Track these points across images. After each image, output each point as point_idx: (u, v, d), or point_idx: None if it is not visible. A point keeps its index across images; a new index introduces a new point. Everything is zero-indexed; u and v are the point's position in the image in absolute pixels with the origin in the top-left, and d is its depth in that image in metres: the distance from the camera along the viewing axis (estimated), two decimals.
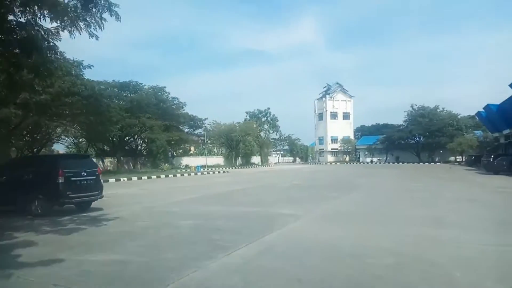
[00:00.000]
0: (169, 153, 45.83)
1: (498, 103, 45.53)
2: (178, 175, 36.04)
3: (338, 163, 75.24)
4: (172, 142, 55.56)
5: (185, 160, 60.21)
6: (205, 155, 57.69)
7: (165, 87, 42.48)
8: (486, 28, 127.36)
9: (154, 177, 32.29)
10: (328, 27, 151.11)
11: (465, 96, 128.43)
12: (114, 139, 42.37)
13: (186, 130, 59.18)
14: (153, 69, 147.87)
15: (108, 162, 46.91)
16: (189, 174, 37.46)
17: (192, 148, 75.41)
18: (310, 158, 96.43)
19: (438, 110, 69.22)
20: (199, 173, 38.87)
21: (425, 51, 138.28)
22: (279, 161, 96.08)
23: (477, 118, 58.02)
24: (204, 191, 18.38)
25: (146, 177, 31.61)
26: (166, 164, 42.59)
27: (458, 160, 65.41)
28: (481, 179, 23.61)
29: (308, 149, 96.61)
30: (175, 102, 43.63)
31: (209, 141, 63.97)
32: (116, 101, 39.09)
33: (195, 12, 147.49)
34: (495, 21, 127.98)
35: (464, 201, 13.10)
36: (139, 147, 55.49)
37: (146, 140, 54.00)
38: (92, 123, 33.36)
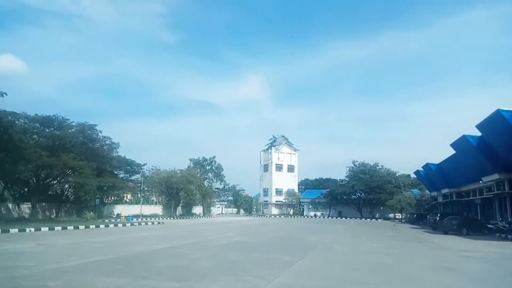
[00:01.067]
0: (97, 200, 39.65)
1: (437, 163, 46.33)
2: (102, 226, 30.44)
3: (282, 216, 72.22)
4: (105, 188, 49.39)
5: (118, 209, 53.54)
6: (140, 203, 51.74)
7: (96, 125, 36.94)
8: (419, 98, 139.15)
9: (70, 227, 26.68)
10: (275, 86, 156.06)
11: (401, 156, 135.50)
12: (30, 181, 35.81)
13: (121, 176, 53.36)
14: (96, 113, 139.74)
15: (27, 208, 39.68)
16: (115, 225, 31.89)
17: (128, 196, 68.52)
18: (254, 210, 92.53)
19: (377, 167, 70.14)
20: (128, 224, 33.40)
21: (363, 114, 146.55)
22: (223, 212, 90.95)
23: (416, 176, 59.05)
24: (118, 250, 13.92)
25: (60, 228, 25.98)
26: (91, 213, 36.44)
27: (397, 217, 65.51)
28: (437, 240, 21.51)
29: (253, 200, 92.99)
30: (107, 143, 38.36)
31: (146, 189, 58.14)
32: (36, 137, 33.45)
33: (144, 59, 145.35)
34: (425, 91, 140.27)
35: (443, 270, 10.27)
36: (66, 192, 48.38)
37: (74, 185, 47.52)
38: (1, 161, 27.61)
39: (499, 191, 29.37)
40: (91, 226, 28.98)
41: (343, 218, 63.88)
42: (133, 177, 55.57)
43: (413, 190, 67.37)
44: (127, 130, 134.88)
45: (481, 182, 33.47)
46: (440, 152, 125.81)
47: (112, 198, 60.42)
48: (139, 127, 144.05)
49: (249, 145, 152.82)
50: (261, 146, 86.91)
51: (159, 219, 49.97)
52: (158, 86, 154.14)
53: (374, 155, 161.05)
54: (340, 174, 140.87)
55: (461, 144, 32.01)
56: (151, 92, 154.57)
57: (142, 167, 52.75)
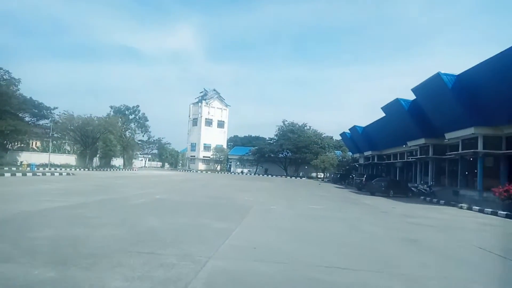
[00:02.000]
0: None
1: (363, 126, 47.08)
2: (7, 174, 25.20)
3: (209, 172, 70.04)
4: (7, 132, 41.67)
5: (24, 156, 46.22)
6: (49, 151, 45.07)
7: None
8: (345, 65, 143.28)
9: None
10: (207, 38, 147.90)
11: (324, 120, 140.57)
12: None
13: (26, 119, 45.61)
14: (2, 52, 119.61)
15: None
16: (13, 175, 26.44)
17: (37, 143, 59.91)
18: (180, 164, 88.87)
19: (306, 127, 70.61)
20: (30, 174, 28.03)
21: (293, 76, 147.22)
22: (146, 165, 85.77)
23: (340, 138, 60.39)
24: None
25: None
26: None
27: (320, 176, 67.49)
28: (368, 201, 20.76)
29: (179, 155, 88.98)
30: (4, 77, 30.81)
31: (56, 135, 50.88)
32: None
33: None
34: (351, 58, 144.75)
35: (407, 243, 8.55)
36: None
37: None
38: None
39: (423, 156, 30.03)
40: None
41: (270, 176, 63.79)
42: (41, 122, 48.03)
43: (336, 151, 69.51)
44: (37, 72, 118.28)
45: (404, 146, 34.22)
46: (361, 117, 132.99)
47: (17, 144, 52.27)
48: (51, 70, 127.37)
49: (177, 98, 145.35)
50: (191, 100, 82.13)
51: (70, 169, 44.18)
52: (76, 24, 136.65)
53: (300, 117, 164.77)
54: (269, 133, 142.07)
55: (393, 107, 31.86)
56: (67, 30, 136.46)
57: (52, 111, 45.45)
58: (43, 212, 10.05)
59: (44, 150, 50.76)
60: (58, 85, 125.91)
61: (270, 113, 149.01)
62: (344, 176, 46.29)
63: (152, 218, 10.02)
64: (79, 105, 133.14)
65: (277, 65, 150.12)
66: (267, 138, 76.47)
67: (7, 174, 26.54)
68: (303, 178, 61.66)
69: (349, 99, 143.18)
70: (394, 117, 33.01)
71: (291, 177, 63.64)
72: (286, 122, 70.73)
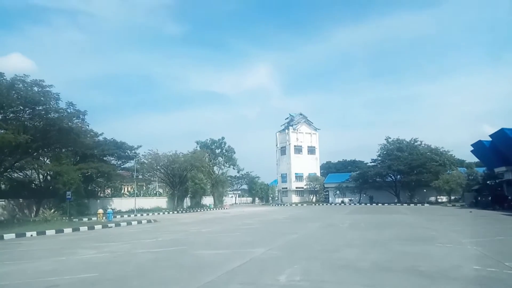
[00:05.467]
0: (69, 193, 28.39)
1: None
2: (68, 229, 19.46)
3: (304, 204, 60.58)
4: (94, 177, 38.35)
5: (116, 203, 42.53)
6: (134, 195, 40.58)
7: (43, 81, 22.97)
8: (429, 77, 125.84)
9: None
10: (283, 73, 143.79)
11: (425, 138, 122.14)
12: None
13: (113, 163, 42.10)
14: (104, 110, 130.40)
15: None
16: (75, 230, 20.59)
17: (128, 188, 57.43)
18: (270, 198, 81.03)
19: (416, 143, 57.75)
20: (99, 226, 22.06)
21: (373, 96, 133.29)
22: (236, 202, 79.65)
23: (472, 149, 46.43)
24: None
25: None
26: (52, 211, 25.12)
27: (440, 200, 53.36)
28: None
29: (269, 188, 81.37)
30: (68, 111, 25.40)
31: (141, 177, 46.81)
32: None
33: (150, 53, 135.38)
34: (435, 70, 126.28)
35: None
36: (40, 184, 37.39)
37: (48, 174, 36.48)
38: None
39: None
40: (29, 233, 17.79)
41: (378, 204, 51.86)
42: (127, 165, 44.33)
43: (459, 168, 54.90)
44: (132, 125, 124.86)
45: None
46: (461, 134, 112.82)
47: (107, 191, 49.64)
48: (145, 122, 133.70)
49: (259, 134, 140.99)
50: (273, 131, 75.04)
51: (158, 213, 38.79)
52: (165, 79, 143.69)
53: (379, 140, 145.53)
54: (364, 156, 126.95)
55: None
56: (158, 86, 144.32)
57: (135, 150, 41.25)
58: None
59: (137, 195, 47.04)
60: (151, 135, 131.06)
61: (355, 138, 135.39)
62: (498, 198, 33.04)
63: None
64: (166, 146, 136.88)
65: (355, 89, 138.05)
66: (369, 161, 65.01)
67: (83, 228, 20.79)
68: (425, 205, 48.54)
69: (442, 114, 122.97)
70: None
71: (403, 204, 50.90)
72: (390, 140, 58.81)
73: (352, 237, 13.16)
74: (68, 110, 24.71)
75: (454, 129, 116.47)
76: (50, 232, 18.84)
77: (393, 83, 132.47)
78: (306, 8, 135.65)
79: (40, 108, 23.16)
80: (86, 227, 21.21)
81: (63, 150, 33.74)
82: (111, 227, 22.30)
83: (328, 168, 78.22)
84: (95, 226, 21.92)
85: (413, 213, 29.92)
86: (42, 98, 22.12)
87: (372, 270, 7.30)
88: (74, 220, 29.41)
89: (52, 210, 25.06)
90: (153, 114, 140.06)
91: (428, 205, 48.79)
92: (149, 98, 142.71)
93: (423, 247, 10.19)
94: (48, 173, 36.28)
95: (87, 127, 27.48)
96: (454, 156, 57.16)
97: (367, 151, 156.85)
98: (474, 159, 60.51)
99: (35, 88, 22.94)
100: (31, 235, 17.88)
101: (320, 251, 9.83)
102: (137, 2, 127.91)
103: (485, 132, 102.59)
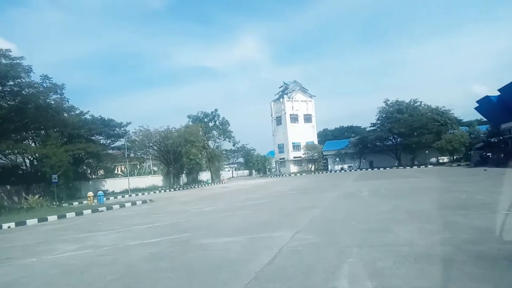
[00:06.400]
0: (55, 176, 25.76)
1: None
2: (53, 216, 17.04)
3: (304, 173, 58.78)
4: (79, 157, 35.72)
5: (109, 184, 40.05)
6: (127, 175, 38.09)
7: (9, 50, 20.30)
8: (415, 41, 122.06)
9: None
10: (272, 44, 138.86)
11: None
12: None
13: (102, 142, 39.27)
14: (93, 89, 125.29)
15: None
16: (79, 214, 18.22)
17: (122, 167, 54.75)
18: (268, 170, 79.19)
19: (416, 104, 55.48)
20: (90, 210, 19.63)
21: (365, 63, 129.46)
22: (233, 175, 77.73)
23: (477, 106, 44.25)
24: None
25: None
26: (37, 197, 22.50)
27: (442, 160, 51.84)
28: None
29: (266, 159, 79.33)
30: (44, 86, 22.24)
31: (133, 155, 44.09)
32: None
33: (135, 30, 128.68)
34: (424, 32, 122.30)
35: None
36: (28, 169, 34.69)
37: (35, 158, 33.77)
38: None
39: None
40: (6, 225, 15.29)
41: (380, 169, 50.17)
42: (117, 143, 41.51)
43: (461, 128, 53.07)
44: (122, 105, 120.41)
45: None
46: (456, 95, 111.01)
47: (100, 172, 47.00)
48: (134, 101, 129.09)
49: (251, 106, 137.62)
50: (266, 103, 72.11)
51: (155, 192, 36.50)
52: (152, 55, 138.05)
53: (373, 106, 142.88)
54: (359, 122, 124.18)
55: None
56: (146, 62, 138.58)
57: (125, 127, 38.31)
58: None
59: (131, 174, 44.39)
60: (141, 113, 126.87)
61: (347, 105, 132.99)
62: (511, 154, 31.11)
63: None
64: (158, 123, 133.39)
65: (347, 55, 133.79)
66: (366, 126, 62.96)
67: (70, 214, 18.34)
68: (429, 166, 46.94)
69: (437, 77, 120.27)
70: None
71: (405, 167, 49.28)
72: (389, 102, 56.42)
73: (387, 208, 10.87)
74: (44, 85, 21.48)
75: (447, 90, 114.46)
76: (31, 222, 16.37)
77: (384, 47, 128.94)
78: None
79: (12, 83, 19.98)
80: (74, 213, 18.74)
81: (47, 131, 30.92)
82: (102, 211, 19.87)
83: (325, 136, 76.12)
84: (83, 211, 19.45)
85: (425, 175, 27.95)
86: (11, 72, 18.88)
87: (473, 260, 4.95)
88: (63, 205, 26.95)
89: (37, 196, 22.44)
90: (142, 92, 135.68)
91: (431, 166, 47.21)
92: (136, 76, 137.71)
93: (490, 216, 7.92)
94: (34, 156, 33.63)
95: (67, 102, 24.24)
96: (455, 115, 55.11)
97: (363, 117, 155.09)
98: (471, 117, 58.74)
99: (2, 60, 19.71)
100: (8, 227, 15.40)
101: (365, 232, 7.48)
102: None
103: (477, 92, 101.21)
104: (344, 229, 8.08)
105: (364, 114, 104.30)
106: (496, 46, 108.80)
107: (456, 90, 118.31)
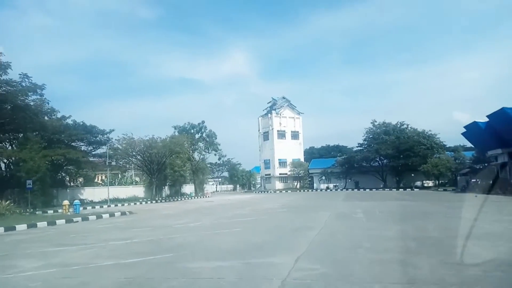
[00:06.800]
0: (29, 182, 24.04)
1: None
2: (22, 225, 15.35)
3: (289, 191, 57.82)
4: (58, 163, 33.91)
5: (87, 193, 37.98)
6: (106, 184, 36.28)
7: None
8: (405, 64, 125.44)
9: None
10: (260, 60, 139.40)
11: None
12: None
13: (83, 149, 37.44)
14: (77, 96, 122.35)
15: None
16: (52, 224, 16.59)
17: (102, 176, 52.52)
18: (252, 185, 77.90)
19: (403, 126, 55.74)
20: (75, 218, 18.01)
21: (350, 83, 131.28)
22: (217, 189, 76.04)
23: (464, 131, 44.51)
24: None
25: None
26: (7, 203, 20.58)
27: (426, 184, 51.76)
28: None
29: (251, 174, 78.12)
30: (22, 85, 20.64)
31: (116, 164, 42.26)
32: None
33: (123, 38, 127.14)
34: (410, 57, 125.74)
35: None
36: (3, 173, 32.60)
37: (11, 161, 31.87)
38: None
39: None
40: None
41: (366, 190, 49.66)
42: (99, 151, 39.68)
43: (446, 152, 53.37)
44: (106, 113, 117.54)
45: None
46: (435, 118, 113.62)
47: (79, 180, 44.79)
48: (119, 110, 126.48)
49: (237, 121, 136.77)
50: (252, 118, 71.47)
51: (135, 203, 34.75)
52: (139, 64, 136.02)
53: (359, 126, 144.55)
54: (345, 142, 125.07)
55: None
56: (132, 71, 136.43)
57: (108, 134, 36.66)
58: None
59: (111, 183, 42.40)
60: (126, 122, 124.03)
61: (333, 124, 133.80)
62: (501, 182, 31.03)
63: None
64: (139, 130, 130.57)
65: (333, 74, 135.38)
66: (352, 146, 62.91)
67: (42, 224, 16.68)
68: (415, 190, 46.67)
69: (422, 101, 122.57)
70: None
71: (390, 189, 48.97)
72: (376, 123, 56.52)
73: (391, 234, 9.94)
74: (23, 84, 19.95)
75: (432, 115, 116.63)
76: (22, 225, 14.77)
77: (371, 69, 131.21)
78: None
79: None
80: (46, 223, 17.08)
81: (26, 134, 29.14)
82: (77, 221, 18.26)
83: (311, 154, 75.68)
84: (57, 220, 17.81)
85: (416, 198, 27.37)
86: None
87: None
88: (37, 213, 25.09)
89: (7, 202, 20.59)
90: (127, 102, 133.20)
91: (417, 190, 46.97)
92: (122, 85, 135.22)
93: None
94: (10, 160, 31.68)
95: (47, 104, 22.67)
96: (440, 139, 55.39)
97: (349, 136, 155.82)
98: (455, 143, 59.28)
99: None
100: None
101: (379, 263, 6.46)
102: None
103: (459, 118, 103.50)
104: (352, 258, 7.06)
105: (350, 134, 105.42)
106: (480, 75, 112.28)
107: (440, 115, 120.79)
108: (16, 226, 15.63)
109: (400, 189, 47.97)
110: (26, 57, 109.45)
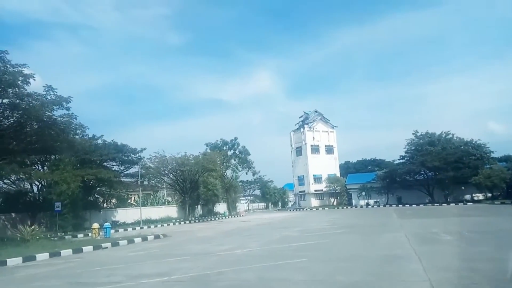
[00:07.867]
0: (57, 204, 22.32)
1: None
2: (44, 254, 13.19)
3: (326, 208, 53.89)
4: (90, 184, 32.48)
5: (121, 214, 36.18)
6: (139, 205, 34.38)
7: (7, 52, 16.87)
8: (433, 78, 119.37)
9: None
10: (285, 79, 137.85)
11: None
12: None
13: (114, 169, 35.92)
14: (110, 122, 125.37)
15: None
16: (78, 251, 14.41)
17: (135, 197, 51.04)
18: (286, 203, 74.30)
19: (449, 136, 51.06)
20: (105, 243, 15.81)
21: (377, 98, 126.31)
22: (250, 208, 73.01)
23: None
24: None
25: None
26: (32, 228, 18.68)
27: (476, 198, 46.45)
28: None
29: (284, 192, 74.68)
30: (47, 97, 18.74)
31: (148, 183, 40.43)
32: None
33: (153, 63, 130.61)
34: (439, 70, 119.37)
35: None
36: (39, 198, 31.59)
37: (43, 184, 30.85)
38: None
39: None
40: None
41: (411, 206, 45.08)
42: (131, 170, 38.06)
43: (498, 163, 48.14)
44: (139, 136, 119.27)
45: None
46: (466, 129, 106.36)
47: (113, 201, 43.34)
48: (151, 132, 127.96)
49: (266, 139, 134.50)
50: (281, 135, 68.65)
51: (168, 224, 32.54)
52: (169, 88, 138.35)
53: (392, 140, 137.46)
54: (381, 155, 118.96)
55: None
56: (162, 95, 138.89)
57: (139, 153, 35.00)
58: None
59: (143, 204, 40.59)
60: (157, 145, 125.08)
61: (369, 138, 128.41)
62: None
63: None
64: (171, 150, 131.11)
65: (359, 92, 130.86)
66: (389, 159, 58.61)
67: (66, 252, 14.51)
68: (467, 204, 41.77)
69: (451, 113, 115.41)
70: None
71: (447, 204, 44.14)
72: (418, 134, 52.17)
73: None
74: (48, 97, 18.31)
75: (469, 126, 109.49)
76: (14, 261, 12.57)
77: (397, 84, 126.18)
78: (307, 12, 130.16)
79: (10, 91, 16.82)
80: (71, 250, 14.88)
81: (60, 155, 27.91)
82: (106, 248, 15.98)
83: (347, 169, 71.49)
84: (84, 247, 15.58)
85: (481, 214, 23.36)
86: (7, 77, 15.69)
87: None
88: (66, 237, 23.30)
89: (32, 227, 18.71)
90: (158, 124, 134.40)
91: (470, 204, 42.07)
92: (153, 108, 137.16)
93: None
94: (42, 182, 30.65)
95: (75, 120, 20.98)
96: (490, 149, 49.98)
97: (381, 151, 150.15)
98: (498, 154, 53.60)
99: None
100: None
101: None
102: (136, 14, 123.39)
103: (492, 129, 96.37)
104: None
105: (384, 148, 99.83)
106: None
107: (475, 126, 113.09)
108: (37, 255, 13.47)
109: (452, 204, 43.17)
110: (61, 85, 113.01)
